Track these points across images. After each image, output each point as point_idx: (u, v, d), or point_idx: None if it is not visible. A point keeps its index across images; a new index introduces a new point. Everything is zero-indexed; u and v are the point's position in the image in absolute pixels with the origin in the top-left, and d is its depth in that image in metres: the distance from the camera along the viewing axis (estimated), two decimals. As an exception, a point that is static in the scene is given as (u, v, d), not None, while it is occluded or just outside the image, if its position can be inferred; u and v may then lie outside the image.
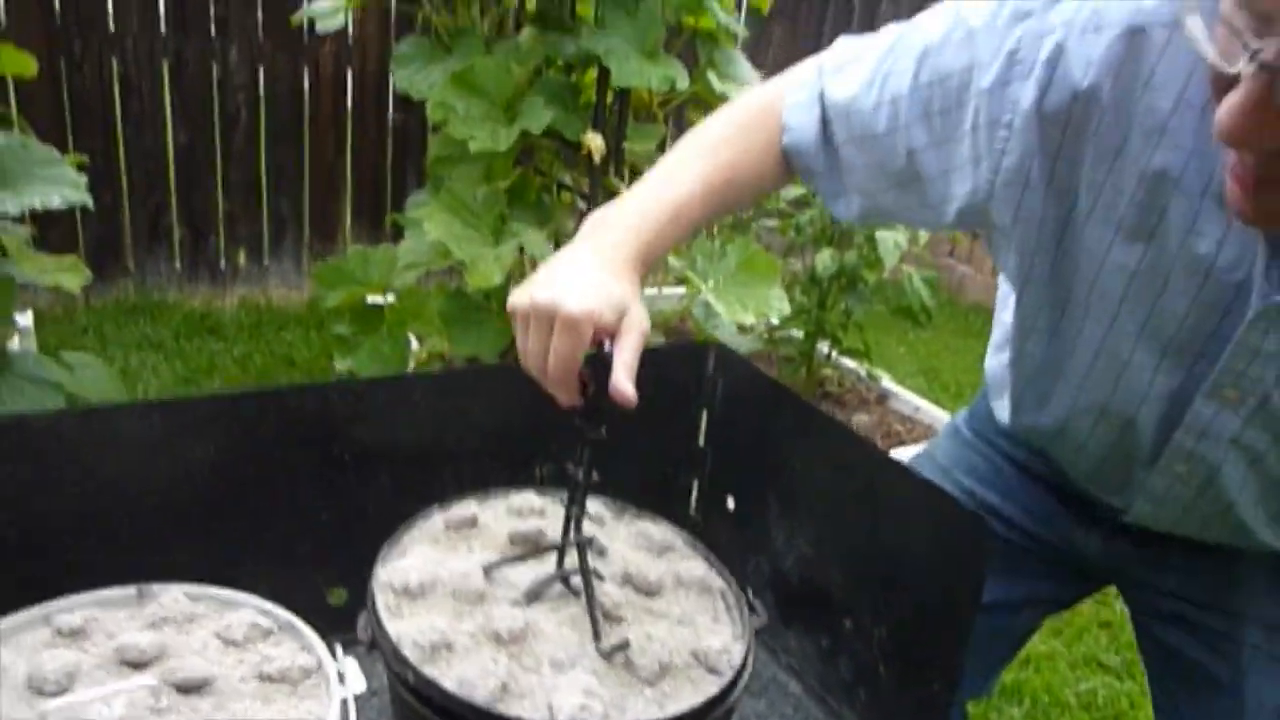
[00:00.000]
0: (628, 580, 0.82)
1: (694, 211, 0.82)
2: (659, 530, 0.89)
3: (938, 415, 2.76)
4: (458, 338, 2.13)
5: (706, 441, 1.14)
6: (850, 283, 2.55)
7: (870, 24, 4.43)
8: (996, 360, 1.00)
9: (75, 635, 0.75)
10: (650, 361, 0.73)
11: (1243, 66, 0.53)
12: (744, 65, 2.11)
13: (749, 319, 1.94)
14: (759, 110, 0.88)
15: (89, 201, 1.59)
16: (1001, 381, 0.98)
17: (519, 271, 2.19)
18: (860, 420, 2.71)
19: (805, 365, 2.75)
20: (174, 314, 3.32)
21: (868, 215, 0.88)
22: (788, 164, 0.88)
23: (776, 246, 2.83)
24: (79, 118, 3.13)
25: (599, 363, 0.71)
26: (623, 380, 0.70)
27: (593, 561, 0.80)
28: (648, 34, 1.93)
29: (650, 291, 2.73)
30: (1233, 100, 0.55)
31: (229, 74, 3.27)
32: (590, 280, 0.72)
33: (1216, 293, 0.71)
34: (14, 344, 1.89)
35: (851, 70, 0.83)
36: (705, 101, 2.09)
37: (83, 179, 1.63)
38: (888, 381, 2.87)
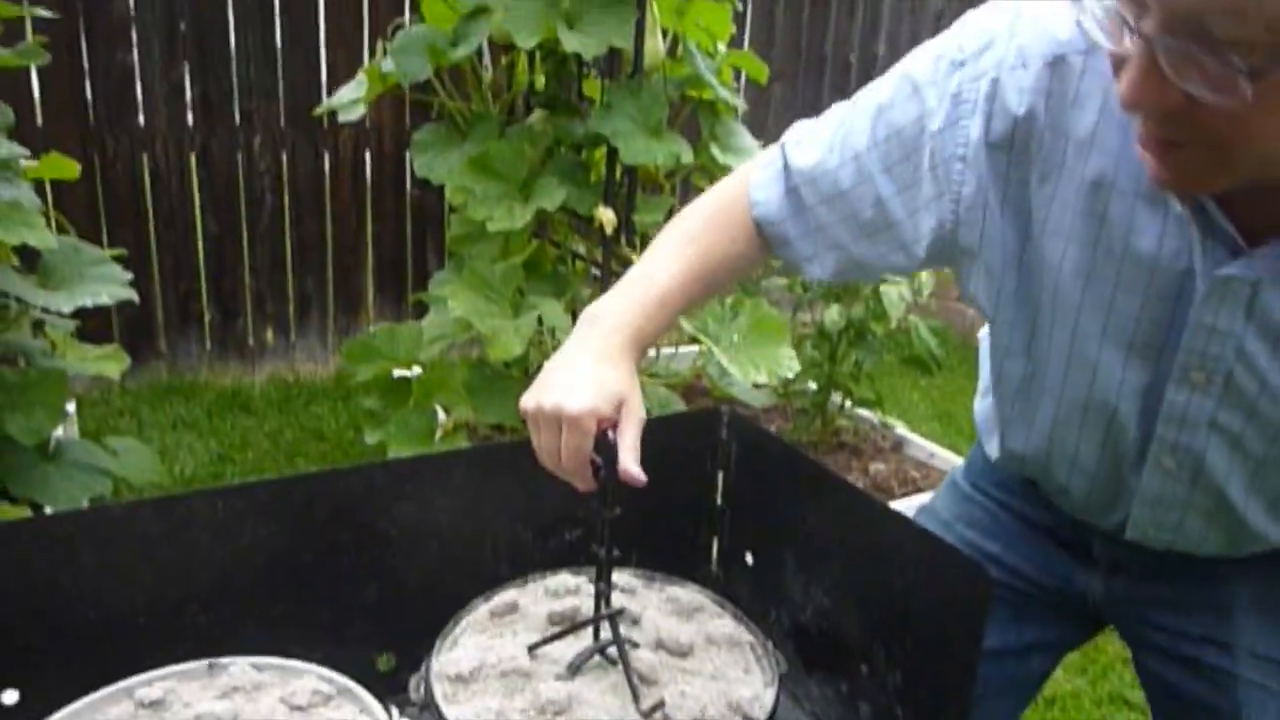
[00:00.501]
0: (661, 645, 0.89)
1: (677, 298, 0.90)
2: (687, 594, 0.97)
3: (952, 460, 2.81)
4: (482, 407, 2.21)
5: (724, 501, 1.22)
6: (859, 335, 2.63)
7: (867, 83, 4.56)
8: (983, 404, 1.07)
9: (155, 706, 0.83)
10: (668, 428, 0.82)
11: (1128, 42, 0.63)
12: (745, 136, 2.22)
13: (761, 378, 2.01)
14: (729, 196, 0.97)
15: (134, 296, 1.70)
16: (990, 421, 1.05)
17: (538, 341, 2.28)
18: (877, 469, 2.77)
19: (820, 417, 2.81)
20: (206, 393, 3.42)
21: (842, 272, 0.95)
22: (761, 237, 0.96)
23: (786, 303, 2.92)
24: (112, 210, 3.28)
25: (606, 449, 0.79)
26: (630, 464, 0.79)
27: (627, 630, 0.87)
28: (652, 113, 2.04)
29: (667, 351, 2.81)
30: (1126, 73, 0.64)
31: (253, 161, 3.41)
32: (588, 378, 0.81)
33: (1165, 283, 0.79)
34: (59, 431, 1.99)
35: (811, 140, 0.93)
36: (710, 171, 2.19)
37: (127, 275, 1.75)
38: (902, 429, 2.93)
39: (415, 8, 2.60)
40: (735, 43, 4.15)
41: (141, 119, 3.24)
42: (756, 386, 2.70)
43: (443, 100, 2.37)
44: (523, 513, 1.08)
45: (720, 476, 1.21)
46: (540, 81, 2.40)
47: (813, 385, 2.81)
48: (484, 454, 1.14)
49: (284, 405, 3.41)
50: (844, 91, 4.53)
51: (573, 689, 0.82)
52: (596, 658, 0.87)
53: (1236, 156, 0.66)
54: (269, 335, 3.64)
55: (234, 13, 3.26)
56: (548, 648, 0.88)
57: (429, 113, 2.55)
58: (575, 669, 0.85)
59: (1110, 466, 0.91)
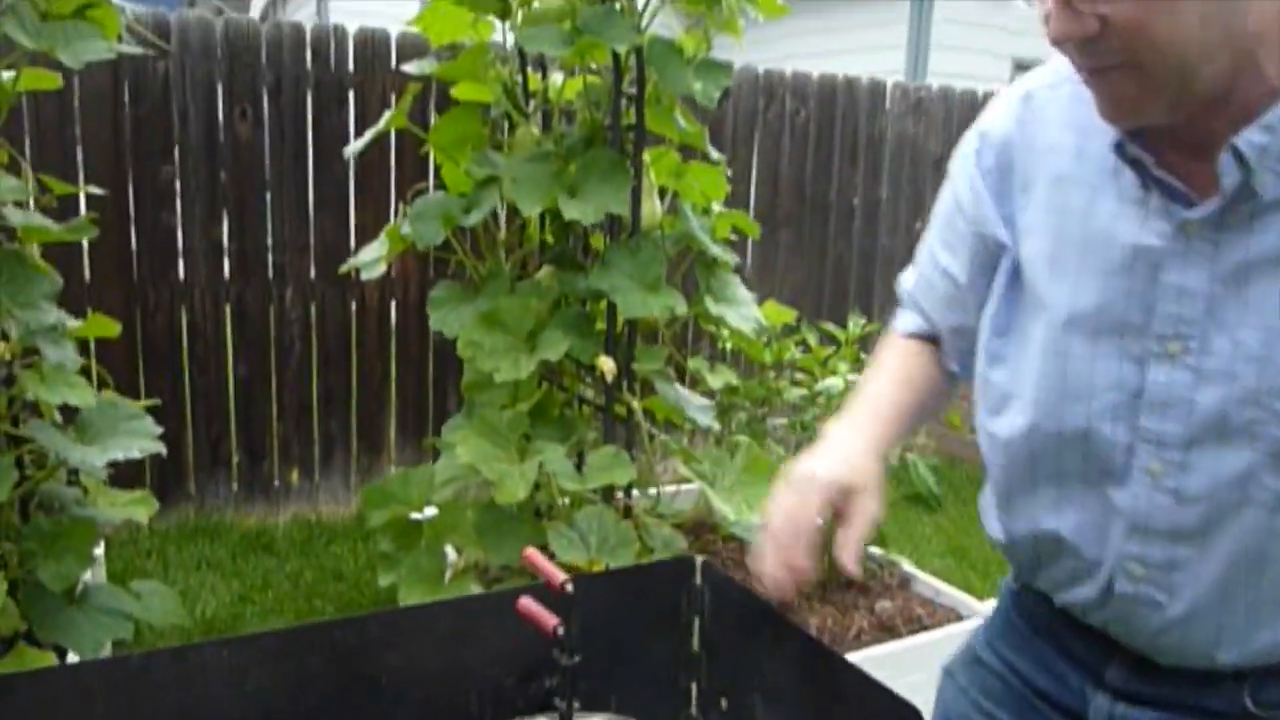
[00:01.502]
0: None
1: (901, 408, 1.08)
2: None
3: (959, 598, 2.83)
4: (492, 548, 2.30)
5: (700, 646, 1.28)
6: (859, 474, 2.69)
7: (873, 229, 4.76)
8: (984, 490, 1.09)
9: (157, 847, 0.90)
10: (645, 575, 0.91)
11: None
12: (738, 288, 2.36)
13: (753, 518, 2.09)
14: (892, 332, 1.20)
15: (162, 450, 1.83)
16: (989, 500, 1.06)
17: (546, 483, 2.37)
18: (883, 606, 2.79)
19: (825, 555, 2.85)
20: (231, 533, 3.53)
21: (965, 354, 1.08)
22: (926, 350, 1.14)
23: (790, 444, 3.01)
24: (150, 358, 3.47)
25: (566, 604, 0.88)
26: (845, 557, 0.94)
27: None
28: (649, 269, 2.19)
29: (669, 489, 2.89)
30: (1051, 17, 0.78)
31: (285, 311, 3.61)
32: (838, 459, 0.97)
33: (1124, 259, 0.87)
34: (87, 574, 2.09)
35: (910, 269, 1.17)
36: (704, 321, 2.32)
37: (158, 429, 1.88)
38: (908, 566, 2.96)
39: (437, 172, 2.82)
40: (742, 191, 4.39)
41: (181, 273, 3.46)
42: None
43: (460, 257, 2.54)
44: (504, 659, 1.16)
45: (696, 622, 1.29)
46: (550, 238, 2.58)
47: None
48: (466, 604, 1.22)
49: (305, 546, 3.50)
50: (849, 235, 4.74)
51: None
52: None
53: (1158, 71, 0.77)
54: (294, 477, 3.76)
55: (270, 175, 3.52)
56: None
57: (449, 267, 2.74)
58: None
59: (1096, 495, 0.91)
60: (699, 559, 1.28)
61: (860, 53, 7.44)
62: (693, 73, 2.08)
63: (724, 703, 1.25)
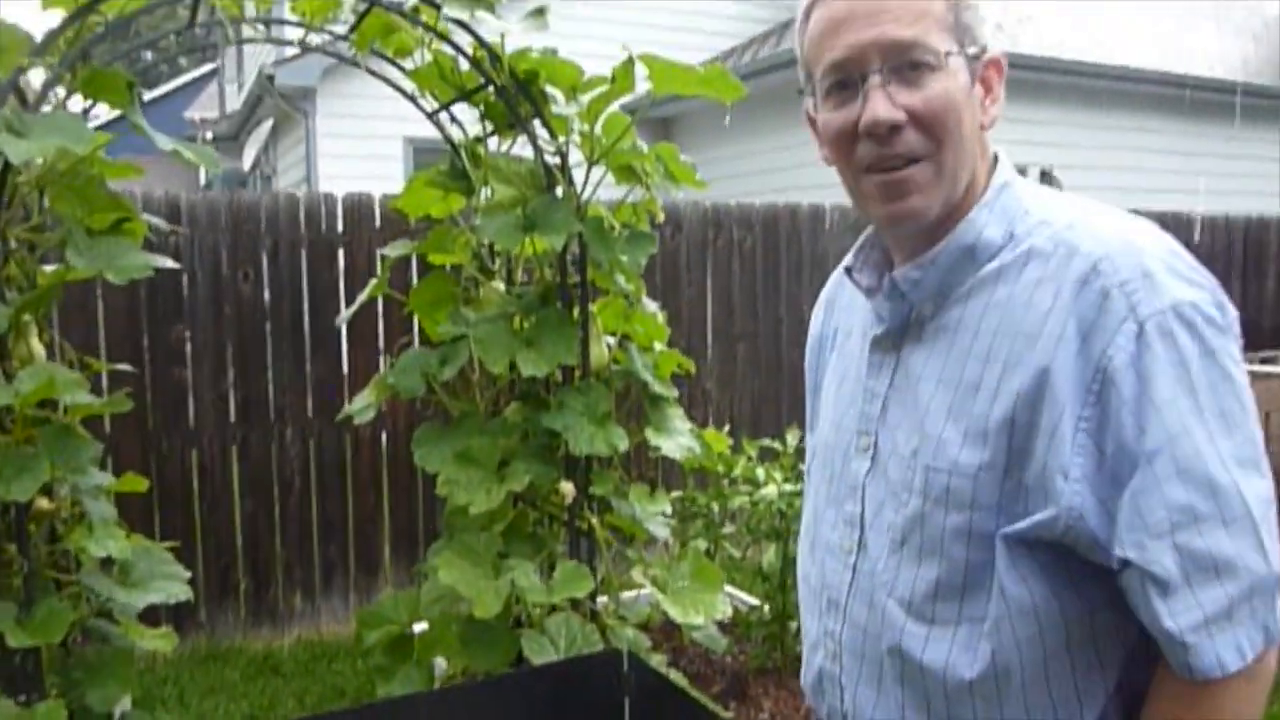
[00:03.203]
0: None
1: None
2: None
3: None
4: (475, 657, 2.62)
5: (630, 724, 1.62)
6: (802, 570, 3.04)
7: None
8: None
9: None
10: (579, 665, 1.25)
11: (864, 91, 0.98)
12: (678, 420, 2.74)
13: (699, 620, 2.43)
14: None
15: (190, 595, 2.17)
16: None
17: (520, 595, 2.71)
18: (832, 690, 3.10)
19: (779, 645, 3.18)
20: (240, 657, 3.82)
21: None
22: None
23: (742, 544, 3.36)
24: (164, 499, 3.82)
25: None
26: None
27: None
28: (598, 406, 2.58)
29: (628, 595, 3.22)
30: (867, 107, 0.98)
31: (285, 449, 3.99)
32: None
33: (857, 371, 1.11)
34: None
35: None
36: (648, 449, 2.70)
37: (186, 574, 2.23)
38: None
39: (421, 325, 3.23)
40: (699, 311, 4.83)
41: (192, 421, 3.85)
42: (719, 624, 3.09)
43: (440, 398, 2.93)
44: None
45: (626, 703, 1.63)
46: (518, 376, 2.97)
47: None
48: (442, 695, 1.56)
49: (310, 665, 3.79)
50: (801, 346, 5.15)
51: None
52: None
53: (947, 146, 0.97)
54: (297, 600, 4.07)
55: (271, 327, 3.94)
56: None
57: (432, 401, 3.12)
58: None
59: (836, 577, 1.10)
60: (625, 652, 1.63)
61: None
62: (622, 244, 2.50)
63: (648, 768, 1.58)
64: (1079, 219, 0.99)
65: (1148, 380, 0.89)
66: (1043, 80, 7.81)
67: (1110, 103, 8.55)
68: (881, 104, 0.97)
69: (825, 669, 1.12)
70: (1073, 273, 0.94)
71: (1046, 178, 7.96)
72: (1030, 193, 1.05)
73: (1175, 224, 6.43)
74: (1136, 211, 1.03)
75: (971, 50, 1.00)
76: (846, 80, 0.99)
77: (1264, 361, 5.76)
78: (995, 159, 1.07)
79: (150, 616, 3.04)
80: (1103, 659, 0.97)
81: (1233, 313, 0.95)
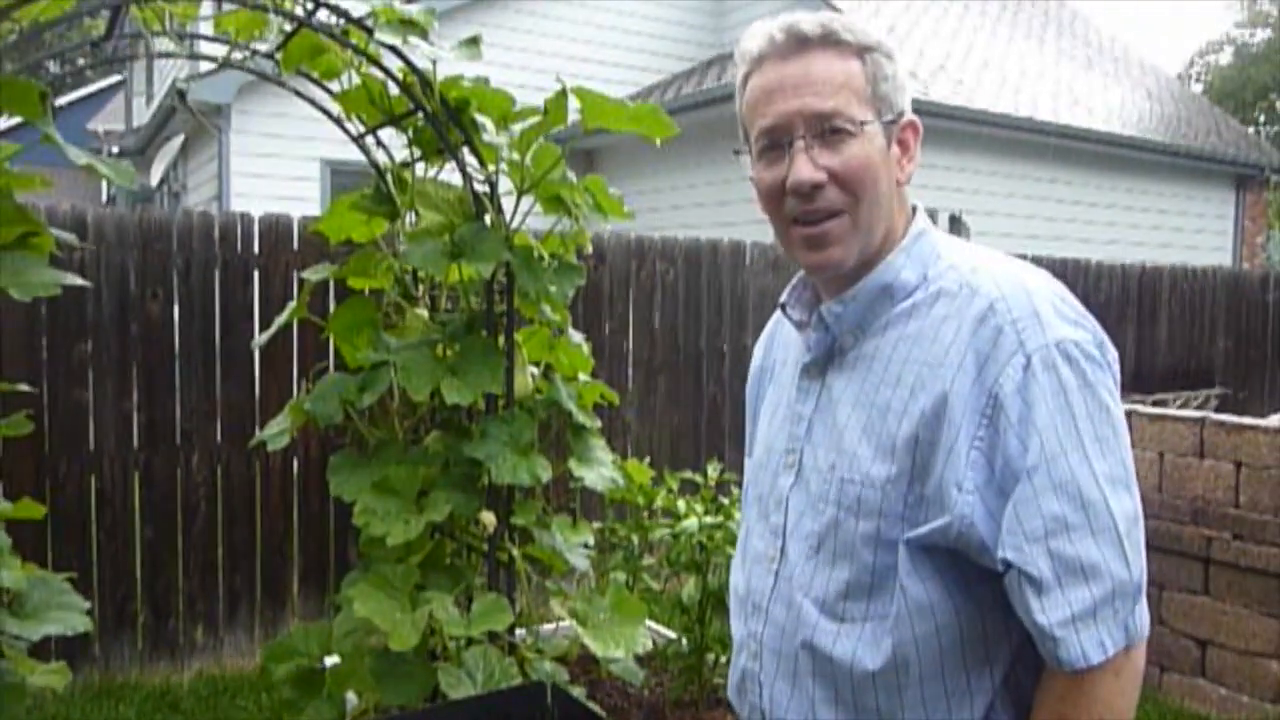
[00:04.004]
0: None
1: None
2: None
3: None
4: (388, 691, 2.55)
5: (552, 759, 1.60)
6: (720, 603, 3.05)
7: (742, 372, 5.25)
8: None
9: None
10: (502, 699, 1.23)
11: (789, 154, 1.10)
12: (601, 451, 2.74)
13: (619, 654, 2.42)
14: None
15: (90, 627, 2.08)
16: None
17: (438, 627, 2.66)
18: (748, 722, 3.11)
19: (697, 677, 3.18)
20: (136, 693, 3.65)
21: None
22: None
23: (661, 577, 3.35)
24: (59, 526, 3.64)
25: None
26: None
27: None
28: (522, 435, 2.56)
29: (549, 627, 3.19)
30: (791, 169, 1.10)
31: (191, 475, 3.85)
32: None
33: (788, 398, 1.22)
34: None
35: None
36: (571, 480, 2.69)
37: (85, 604, 2.13)
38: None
39: (337, 350, 3.16)
40: (621, 342, 4.84)
41: (92, 444, 3.68)
42: (637, 657, 3.08)
43: (357, 426, 2.87)
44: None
45: (549, 739, 1.61)
46: (439, 404, 2.93)
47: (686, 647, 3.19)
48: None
49: (211, 700, 3.64)
50: (720, 379, 5.21)
51: None
52: None
53: (863, 202, 1.09)
54: (199, 632, 3.92)
55: (180, 351, 3.81)
56: None
57: (347, 428, 3.05)
58: None
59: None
60: (548, 685, 1.61)
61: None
62: (550, 275, 2.50)
63: (570, 804, 1.56)
64: (983, 265, 1.12)
65: (1031, 405, 1.01)
66: (952, 128, 8.11)
67: (1017, 152, 8.93)
68: (805, 166, 1.09)
69: (747, 668, 1.22)
70: (973, 311, 1.07)
71: (956, 223, 8.25)
72: (943, 240, 1.18)
73: (1076, 271, 6.71)
74: (1039, 258, 1.13)
75: (888, 117, 1.13)
76: (776, 143, 1.12)
77: (1156, 403, 6.03)
78: (914, 210, 1.20)
79: (40, 650, 2.88)
80: (991, 655, 1.08)
81: (1112, 353, 1.08)
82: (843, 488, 1.10)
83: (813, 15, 1.14)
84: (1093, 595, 0.99)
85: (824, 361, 1.18)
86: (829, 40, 1.11)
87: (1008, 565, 1.01)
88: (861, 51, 1.11)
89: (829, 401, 1.16)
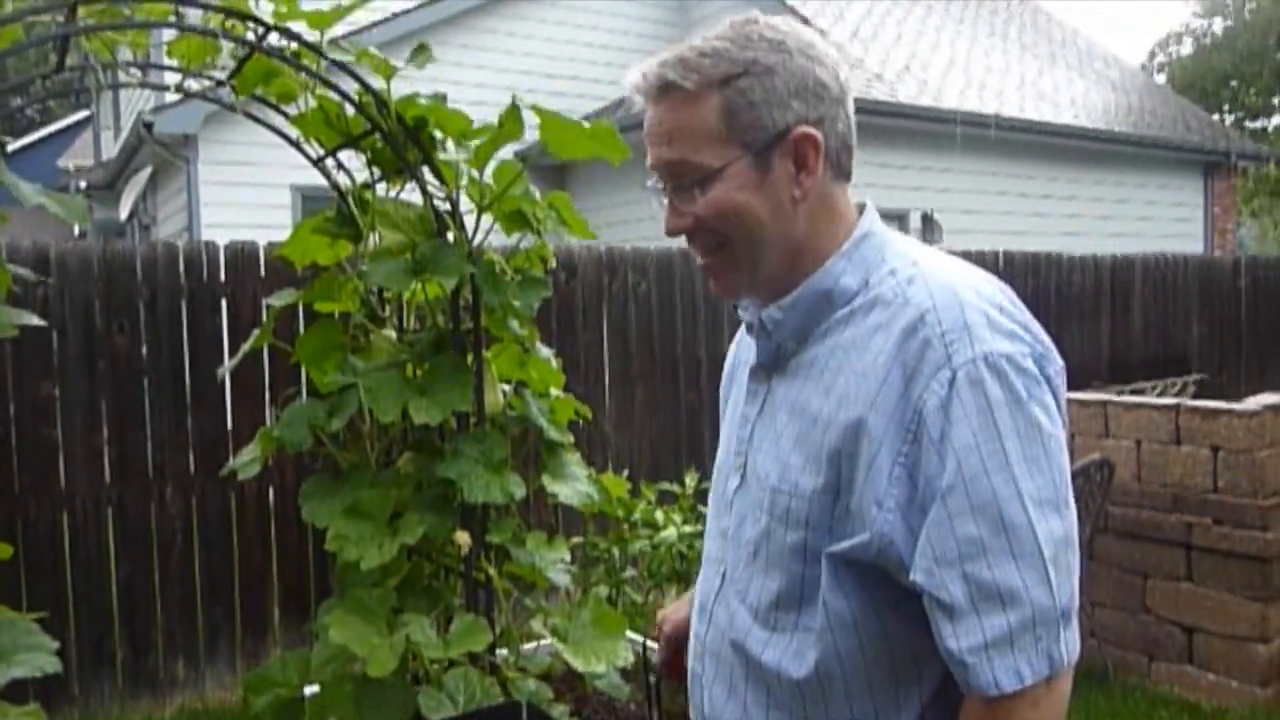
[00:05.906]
0: None
1: None
2: None
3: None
4: (368, 717, 2.52)
5: (529, 779, 1.58)
6: (703, 612, 3.03)
7: (719, 378, 5.23)
8: None
9: None
10: (480, 718, 1.21)
11: (664, 200, 1.10)
12: (575, 467, 2.72)
13: (601, 668, 2.39)
14: None
15: (59, 667, 2.03)
16: None
17: (417, 651, 2.62)
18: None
19: (684, 687, 3.15)
20: (117, 733, 3.60)
21: None
22: None
23: (644, 589, 3.33)
24: (32, 565, 3.59)
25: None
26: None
27: None
28: (494, 452, 2.53)
29: (529, 646, 3.16)
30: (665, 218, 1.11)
31: (165, 508, 3.80)
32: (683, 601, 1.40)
33: (738, 399, 1.22)
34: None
35: None
36: (545, 496, 2.67)
37: (54, 644, 2.08)
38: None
39: (308, 376, 3.13)
40: (596, 354, 4.83)
41: (63, 482, 3.63)
42: (623, 671, 3.05)
43: (329, 450, 2.84)
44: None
45: (525, 759, 1.59)
46: (410, 425, 2.90)
47: (673, 660, 3.17)
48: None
49: (193, 736, 3.59)
50: (698, 386, 5.20)
51: None
52: None
53: (737, 242, 1.07)
54: (180, 667, 3.86)
55: (149, 384, 3.77)
56: None
57: (320, 452, 3.02)
58: None
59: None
60: (524, 703, 1.59)
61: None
62: (515, 289, 2.49)
63: (548, 824, 1.54)
64: (923, 271, 1.07)
65: (953, 423, 0.98)
66: (921, 128, 8.16)
67: (986, 149, 8.99)
68: (669, 217, 1.11)
69: (693, 669, 1.23)
70: (903, 322, 1.03)
71: (928, 222, 8.29)
72: (892, 242, 1.13)
73: (1049, 264, 6.75)
74: (1011, 253, 1.10)
75: (762, 142, 1.06)
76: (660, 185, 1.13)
77: (1134, 393, 6.07)
78: (861, 209, 1.15)
79: (17, 692, 2.83)
80: (922, 672, 1.05)
81: (1055, 365, 1.04)
82: (774, 497, 1.09)
83: (674, 51, 1.09)
84: (1009, 622, 0.95)
85: (770, 366, 1.17)
86: (673, 88, 1.07)
87: (920, 588, 0.99)
88: (723, 83, 1.05)
89: (772, 407, 1.15)
